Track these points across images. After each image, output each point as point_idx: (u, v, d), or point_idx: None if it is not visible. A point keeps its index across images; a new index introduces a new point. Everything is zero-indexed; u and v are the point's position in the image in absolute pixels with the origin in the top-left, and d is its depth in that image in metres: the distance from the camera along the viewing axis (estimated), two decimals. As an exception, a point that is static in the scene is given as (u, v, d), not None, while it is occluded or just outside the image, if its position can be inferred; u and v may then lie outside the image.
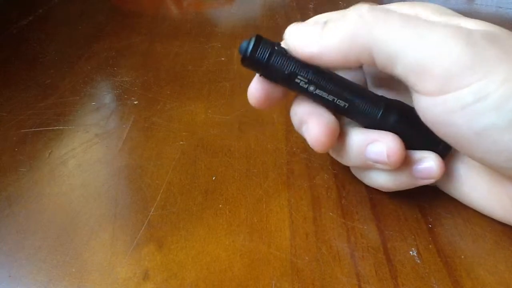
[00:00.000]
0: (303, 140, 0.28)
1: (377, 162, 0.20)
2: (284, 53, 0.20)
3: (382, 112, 0.20)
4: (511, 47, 0.16)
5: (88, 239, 0.21)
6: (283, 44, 0.20)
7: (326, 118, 0.20)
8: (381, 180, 0.22)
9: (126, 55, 0.40)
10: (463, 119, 0.16)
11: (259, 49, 0.19)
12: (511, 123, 0.16)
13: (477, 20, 0.19)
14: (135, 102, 0.32)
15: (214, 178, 0.25)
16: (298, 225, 0.22)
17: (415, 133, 0.20)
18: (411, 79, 0.17)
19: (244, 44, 0.20)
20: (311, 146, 0.20)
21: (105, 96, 0.34)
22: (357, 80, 0.23)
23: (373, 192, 0.23)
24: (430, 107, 0.17)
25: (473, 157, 0.19)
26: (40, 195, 0.24)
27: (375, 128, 0.21)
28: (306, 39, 0.19)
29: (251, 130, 0.29)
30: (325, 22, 0.19)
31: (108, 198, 0.24)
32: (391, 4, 0.21)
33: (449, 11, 0.20)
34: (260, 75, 0.21)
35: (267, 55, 0.19)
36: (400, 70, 0.17)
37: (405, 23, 0.17)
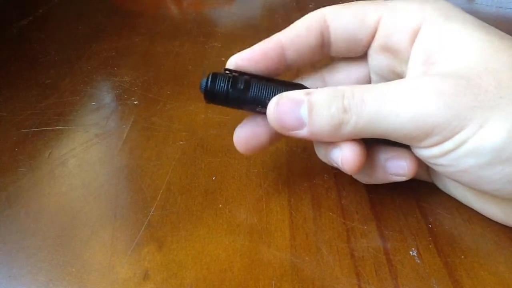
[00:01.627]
0: (303, 140, 0.28)
1: (337, 166, 0.21)
2: (241, 81, 0.20)
3: None
4: (486, 88, 0.17)
5: (88, 239, 0.21)
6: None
7: (253, 131, 0.22)
8: (357, 174, 0.22)
9: (126, 55, 0.40)
10: (446, 162, 0.18)
11: (217, 83, 0.20)
12: (489, 162, 0.17)
13: (481, 28, 0.19)
14: (135, 102, 0.32)
15: (214, 178, 0.25)
16: (298, 225, 0.22)
17: None
18: (401, 142, 0.19)
19: (203, 82, 0.21)
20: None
21: (105, 96, 0.34)
22: (362, 75, 0.23)
23: (373, 192, 0.23)
24: (419, 154, 0.19)
25: (467, 186, 0.20)
26: (40, 195, 0.24)
27: None
28: (293, 124, 0.19)
29: (251, 130, 0.29)
30: (309, 105, 0.19)
31: (108, 198, 0.24)
32: (401, 1, 0.21)
33: (458, 13, 0.20)
34: (228, 106, 0.21)
35: (225, 87, 0.20)
36: (391, 139, 0.19)
37: (381, 104, 0.18)
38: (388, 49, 0.21)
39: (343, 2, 0.22)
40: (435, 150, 0.18)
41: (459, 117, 0.17)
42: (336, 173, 0.25)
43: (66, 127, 0.30)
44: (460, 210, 0.22)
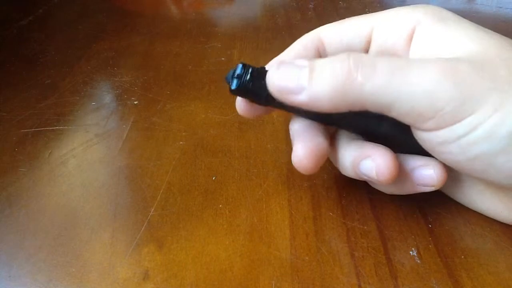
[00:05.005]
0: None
1: (370, 178, 0.20)
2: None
3: (371, 121, 0.20)
4: (499, 72, 0.16)
5: (88, 239, 0.21)
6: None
7: (313, 142, 0.20)
8: (382, 185, 0.22)
9: (126, 55, 0.40)
10: (457, 148, 0.17)
11: (247, 80, 0.19)
12: (503, 149, 0.16)
13: (474, 28, 0.19)
14: (135, 102, 0.32)
15: (214, 178, 0.25)
16: (298, 225, 0.22)
17: (409, 136, 0.20)
18: (406, 120, 0.18)
19: (231, 73, 0.20)
20: (294, 166, 0.20)
21: (105, 96, 0.34)
22: None
23: (373, 192, 0.23)
24: (426, 139, 0.18)
25: (472, 176, 0.19)
26: (40, 195, 0.24)
27: (369, 135, 0.21)
28: (292, 85, 0.18)
29: (251, 130, 0.29)
30: (310, 67, 0.18)
31: (108, 198, 0.24)
32: (392, 9, 0.21)
33: (450, 15, 0.20)
34: (252, 101, 0.21)
35: (255, 84, 0.19)
36: (395, 115, 0.18)
37: (394, 73, 0.17)
38: (385, 54, 0.21)
39: (343, 3, 0.22)
40: (446, 135, 0.17)
41: (474, 97, 0.16)
42: (336, 173, 0.25)
43: (66, 127, 0.30)
44: (460, 210, 0.22)
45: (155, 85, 0.34)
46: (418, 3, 0.21)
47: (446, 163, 0.19)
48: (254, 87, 0.20)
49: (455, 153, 0.17)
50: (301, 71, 0.18)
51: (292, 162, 0.20)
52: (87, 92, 0.34)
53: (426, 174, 0.20)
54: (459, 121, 0.16)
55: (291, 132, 0.22)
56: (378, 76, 0.17)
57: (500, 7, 0.47)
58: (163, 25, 0.46)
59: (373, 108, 0.18)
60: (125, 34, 0.44)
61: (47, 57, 0.39)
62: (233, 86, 0.20)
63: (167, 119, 0.30)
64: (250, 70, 0.20)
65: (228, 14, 0.49)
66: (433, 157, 0.20)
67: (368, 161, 0.19)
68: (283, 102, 0.19)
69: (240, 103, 0.22)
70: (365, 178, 0.20)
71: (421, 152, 0.20)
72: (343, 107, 0.18)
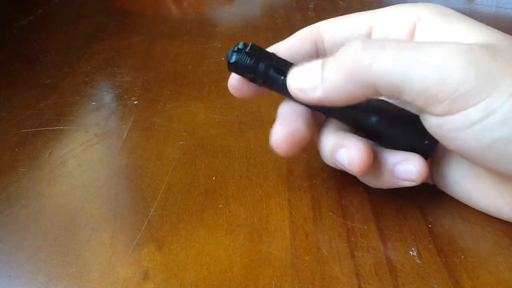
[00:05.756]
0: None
1: (343, 167, 0.20)
2: (269, 57, 0.20)
3: (360, 113, 0.20)
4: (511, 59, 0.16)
5: (88, 239, 0.21)
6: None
7: (292, 126, 0.20)
8: (364, 178, 0.22)
9: (126, 55, 0.40)
10: (471, 135, 0.17)
11: (246, 54, 0.20)
12: None
13: (477, 24, 0.19)
14: (135, 102, 0.32)
15: (214, 178, 0.25)
16: (298, 225, 0.22)
17: (398, 132, 0.20)
18: (418, 103, 0.17)
19: (231, 49, 0.20)
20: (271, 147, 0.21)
21: (105, 96, 0.34)
22: None
23: (373, 192, 0.23)
24: (439, 126, 0.18)
25: (484, 167, 0.19)
26: (40, 195, 0.24)
27: (358, 127, 0.21)
28: (307, 84, 0.19)
29: (251, 130, 0.29)
30: (322, 63, 0.19)
31: (108, 198, 0.24)
32: (391, 7, 0.21)
33: (451, 11, 0.20)
34: (249, 79, 0.21)
35: (253, 60, 0.20)
36: (407, 97, 0.17)
37: (402, 52, 0.17)
38: None
39: (344, 3, 0.23)
40: (459, 121, 0.16)
41: (488, 80, 0.15)
42: (336, 173, 0.25)
43: (66, 127, 0.30)
44: (460, 210, 0.22)
45: (155, 85, 0.34)
46: (417, 2, 0.21)
47: (458, 152, 0.18)
48: (253, 62, 0.20)
49: (467, 141, 0.17)
50: (313, 70, 0.19)
51: (269, 142, 0.21)
52: (87, 92, 0.34)
53: (406, 169, 0.20)
54: (473, 105, 0.16)
55: (277, 114, 0.22)
56: (386, 54, 0.17)
57: (500, 7, 0.47)
58: (163, 25, 0.46)
59: (385, 91, 0.17)
60: (125, 34, 0.44)
61: (47, 57, 0.39)
62: (232, 59, 0.20)
63: (167, 119, 0.30)
64: (250, 45, 0.20)
65: (228, 14, 0.49)
66: (416, 152, 0.20)
67: (343, 150, 0.20)
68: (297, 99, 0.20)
69: (233, 81, 0.22)
70: (341, 167, 0.21)
71: (408, 147, 0.20)
72: (358, 94, 0.18)
